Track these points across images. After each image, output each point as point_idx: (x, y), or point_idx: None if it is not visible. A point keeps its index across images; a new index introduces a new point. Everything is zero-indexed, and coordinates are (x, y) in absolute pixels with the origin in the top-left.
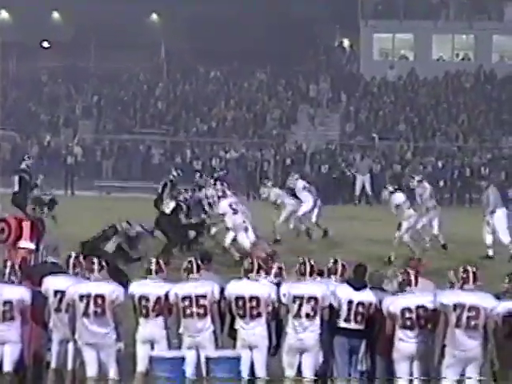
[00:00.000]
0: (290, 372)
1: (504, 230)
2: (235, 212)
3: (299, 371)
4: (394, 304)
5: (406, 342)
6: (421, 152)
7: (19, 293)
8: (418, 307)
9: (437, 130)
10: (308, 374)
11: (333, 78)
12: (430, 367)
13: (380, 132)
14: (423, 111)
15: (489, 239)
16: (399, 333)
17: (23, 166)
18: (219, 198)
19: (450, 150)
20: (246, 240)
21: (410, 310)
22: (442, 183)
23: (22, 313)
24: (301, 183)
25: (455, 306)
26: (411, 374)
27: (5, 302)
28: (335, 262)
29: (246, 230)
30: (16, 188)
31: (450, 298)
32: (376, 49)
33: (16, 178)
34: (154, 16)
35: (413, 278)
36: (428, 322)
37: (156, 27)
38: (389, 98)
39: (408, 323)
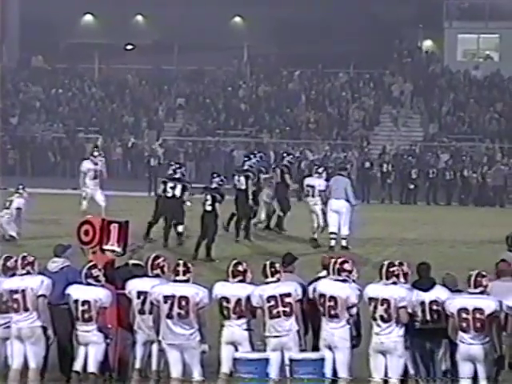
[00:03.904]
0: (376, 374)
1: None
2: None
3: (386, 374)
4: (452, 304)
5: (465, 344)
6: (508, 152)
7: (96, 293)
8: (475, 309)
9: None
10: (393, 376)
11: (416, 78)
12: (492, 370)
13: (464, 133)
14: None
15: None
16: (459, 334)
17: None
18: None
19: None
20: None
21: (466, 310)
22: None
23: (101, 313)
24: None
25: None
26: (475, 376)
27: (83, 302)
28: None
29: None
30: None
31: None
32: (460, 50)
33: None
34: (237, 18)
35: (473, 278)
36: (485, 325)
37: (239, 29)
38: (473, 98)
39: (464, 324)
